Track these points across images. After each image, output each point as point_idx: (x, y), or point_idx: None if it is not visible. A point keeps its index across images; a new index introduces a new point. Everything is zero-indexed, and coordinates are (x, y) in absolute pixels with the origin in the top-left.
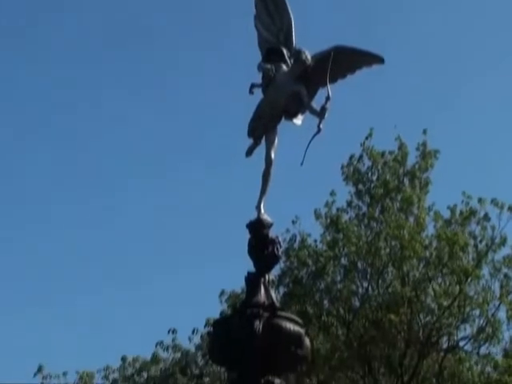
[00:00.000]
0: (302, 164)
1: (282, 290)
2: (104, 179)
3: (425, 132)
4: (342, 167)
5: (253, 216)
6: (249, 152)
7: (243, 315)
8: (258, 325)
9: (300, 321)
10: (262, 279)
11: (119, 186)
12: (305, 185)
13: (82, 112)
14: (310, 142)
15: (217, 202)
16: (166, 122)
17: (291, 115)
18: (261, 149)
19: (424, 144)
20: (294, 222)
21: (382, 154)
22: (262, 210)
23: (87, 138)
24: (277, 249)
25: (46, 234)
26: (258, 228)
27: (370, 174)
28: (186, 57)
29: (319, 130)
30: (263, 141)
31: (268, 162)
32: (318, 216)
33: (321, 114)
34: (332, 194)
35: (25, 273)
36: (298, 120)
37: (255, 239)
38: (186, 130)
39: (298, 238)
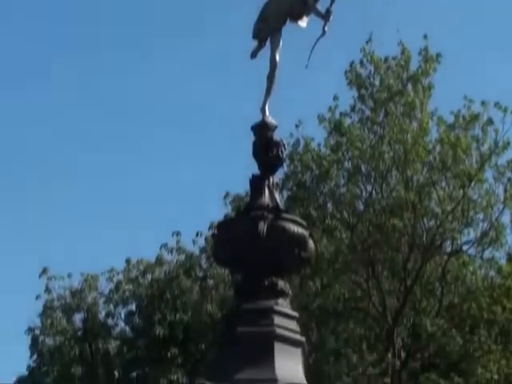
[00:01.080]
0: (306, 67)
1: (285, 193)
2: None
3: (425, 37)
4: (346, 72)
5: (257, 118)
6: (253, 54)
7: (247, 217)
8: (263, 226)
9: (304, 223)
10: (267, 182)
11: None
12: (308, 89)
13: None
14: (315, 44)
15: (222, 105)
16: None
17: (296, 17)
18: (265, 51)
19: (426, 49)
20: (297, 126)
21: (386, 60)
22: (267, 113)
23: None
24: (281, 151)
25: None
26: (262, 130)
27: (372, 79)
28: None
29: (324, 32)
30: (268, 43)
31: (273, 64)
32: (321, 120)
33: (326, 16)
34: (335, 98)
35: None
36: (303, 22)
37: (260, 141)
38: (189, 31)
39: (302, 142)
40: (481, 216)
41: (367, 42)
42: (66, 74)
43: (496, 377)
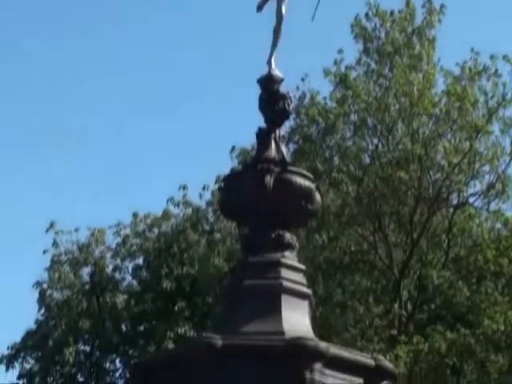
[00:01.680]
0: (312, 19)
1: (291, 147)
2: None
3: None
4: (352, 25)
5: (264, 72)
6: (259, 7)
7: (254, 170)
8: (269, 179)
9: (311, 176)
10: (273, 134)
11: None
12: (313, 43)
13: None
14: None
15: (228, 58)
16: None
17: None
18: (271, 4)
19: (429, 0)
20: (303, 80)
21: (391, 13)
22: (273, 66)
23: None
24: (287, 104)
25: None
26: (268, 83)
27: (377, 32)
28: None
29: None
30: None
31: (279, 17)
32: (326, 74)
33: None
34: (340, 51)
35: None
36: None
37: (266, 94)
38: None
39: (308, 96)
40: (487, 168)
41: None
42: None
43: (502, 327)
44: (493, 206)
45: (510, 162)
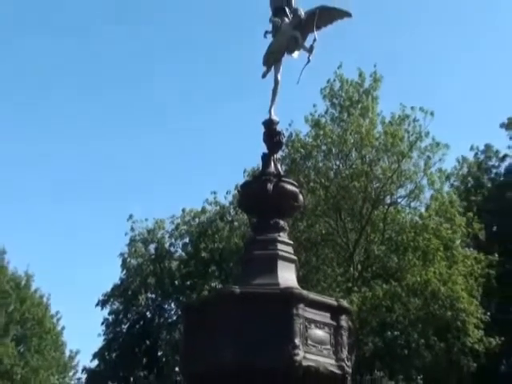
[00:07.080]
0: (297, 83)
1: (283, 167)
2: None
3: (375, 65)
4: (321, 90)
5: (266, 117)
6: (263, 75)
7: (260, 180)
8: (270, 186)
9: (297, 184)
10: (272, 157)
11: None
12: (297, 99)
13: None
14: (303, 69)
15: (241, 110)
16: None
17: (291, 51)
18: (272, 73)
19: (375, 72)
20: (290, 125)
21: (347, 81)
22: (272, 113)
23: None
24: (281, 138)
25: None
26: (269, 124)
27: (340, 91)
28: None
29: (309, 61)
30: (273, 68)
31: (276, 82)
32: (306, 120)
33: (310, 50)
34: (314, 106)
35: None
36: (295, 54)
37: (268, 131)
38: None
39: (294, 134)
40: (409, 180)
41: (338, 67)
42: None
43: (419, 279)
44: (412, 205)
45: (423, 176)
